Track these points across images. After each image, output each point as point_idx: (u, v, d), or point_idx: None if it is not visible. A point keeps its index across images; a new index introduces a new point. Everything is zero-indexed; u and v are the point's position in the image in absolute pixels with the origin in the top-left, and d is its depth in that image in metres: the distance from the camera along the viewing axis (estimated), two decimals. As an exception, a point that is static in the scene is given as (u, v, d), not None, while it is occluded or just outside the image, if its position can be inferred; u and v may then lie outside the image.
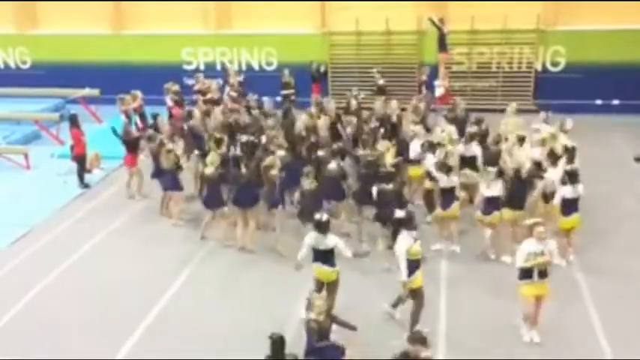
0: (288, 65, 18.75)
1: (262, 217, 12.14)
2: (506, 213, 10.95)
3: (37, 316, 10.03)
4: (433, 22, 17.93)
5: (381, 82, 16.85)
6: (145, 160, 14.31)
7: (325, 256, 9.02)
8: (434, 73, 17.96)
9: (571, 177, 10.39)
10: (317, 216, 9.07)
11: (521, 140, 12.15)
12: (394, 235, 8.83)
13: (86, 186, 14.96)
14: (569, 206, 10.53)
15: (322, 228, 8.93)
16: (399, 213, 9.05)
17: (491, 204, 10.82)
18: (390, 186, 10.77)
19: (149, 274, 11.13)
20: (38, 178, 15.83)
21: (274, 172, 11.28)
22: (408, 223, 8.77)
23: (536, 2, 18.31)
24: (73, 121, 14.97)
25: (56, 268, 11.41)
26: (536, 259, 8.41)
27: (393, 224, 8.91)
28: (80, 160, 14.91)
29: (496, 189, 10.80)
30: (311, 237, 9.07)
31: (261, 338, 7.42)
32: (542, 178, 11.24)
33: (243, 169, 11.52)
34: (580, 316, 9.47)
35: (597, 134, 16.25)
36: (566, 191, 10.46)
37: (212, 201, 11.92)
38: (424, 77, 17.99)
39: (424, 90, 17.54)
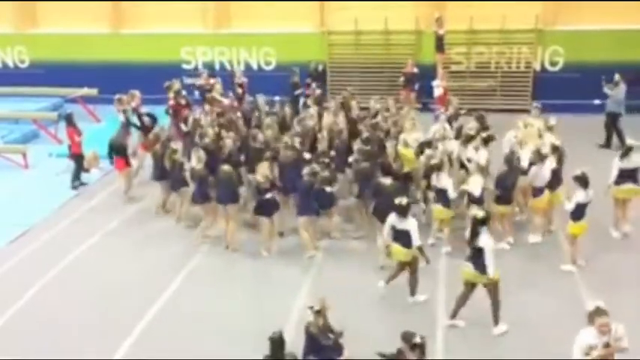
0: (286, 64, 18.74)
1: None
2: (495, 208, 11.18)
3: (35, 316, 10.03)
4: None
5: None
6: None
7: (401, 237, 9.52)
8: (432, 74, 17.95)
9: (582, 181, 10.25)
10: (397, 200, 9.54)
11: (487, 141, 12.27)
12: (473, 233, 8.82)
13: (75, 187, 14.83)
14: (582, 211, 10.39)
15: (401, 211, 9.44)
16: (479, 213, 8.98)
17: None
18: (388, 181, 10.82)
19: (147, 274, 11.12)
20: (37, 178, 15.82)
21: (258, 177, 11.23)
22: (489, 221, 8.97)
23: (536, 3, 18.33)
24: (69, 120, 14.95)
25: (54, 268, 11.41)
26: (598, 353, 6.97)
27: (473, 222, 8.88)
28: (76, 159, 14.85)
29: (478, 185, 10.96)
30: (392, 217, 9.61)
31: (260, 338, 7.43)
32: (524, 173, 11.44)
33: (226, 166, 11.60)
34: (579, 317, 9.43)
35: (595, 134, 16.26)
36: (580, 196, 10.29)
37: (199, 196, 11.96)
38: (415, 70, 18.20)
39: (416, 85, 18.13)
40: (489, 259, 8.76)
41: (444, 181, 11.10)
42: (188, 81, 17.64)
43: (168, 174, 12.86)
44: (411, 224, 9.47)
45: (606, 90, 16.15)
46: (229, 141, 12.69)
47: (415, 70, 18.35)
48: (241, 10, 20.56)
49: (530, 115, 13.62)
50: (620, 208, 11.69)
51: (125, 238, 12.55)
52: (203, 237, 12.13)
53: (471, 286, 9.10)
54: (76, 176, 14.93)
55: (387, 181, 10.83)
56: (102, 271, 11.27)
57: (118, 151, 13.97)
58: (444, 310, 9.70)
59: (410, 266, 9.79)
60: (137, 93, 15.87)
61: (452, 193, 11.05)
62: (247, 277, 11.02)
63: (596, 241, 11.29)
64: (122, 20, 21.41)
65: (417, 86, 18.26)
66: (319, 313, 7.79)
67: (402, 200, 9.53)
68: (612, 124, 16.07)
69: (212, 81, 17.12)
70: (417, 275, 9.88)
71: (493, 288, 9.00)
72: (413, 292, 9.95)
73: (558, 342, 8.79)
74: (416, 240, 9.45)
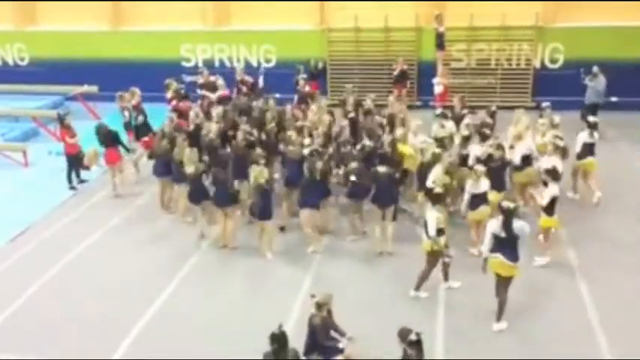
0: (286, 62, 18.68)
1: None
2: (492, 196, 11.01)
3: (34, 315, 10.03)
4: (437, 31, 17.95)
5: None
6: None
7: (425, 227, 9.64)
8: (432, 71, 17.92)
9: (554, 175, 10.33)
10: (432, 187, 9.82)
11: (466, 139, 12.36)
12: (506, 223, 8.67)
13: (73, 188, 14.77)
14: (555, 205, 10.41)
15: (433, 200, 9.65)
16: (510, 204, 8.80)
17: (478, 200, 10.87)
18: (383, 169, 10.97)
19: (147, 273, 11.12)
20: (37, 175, 15.81)
21: (262, 181, 11.11)
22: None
23: (536, 2, 18.29)
24: (60, 121, 14.83)
25: (54, 266, 11.41)
26: None
27: (506, 213, 8.70)
28: (69, 160, 14.73)
29: (483, 186, 10.83)
30: (428, 205, 9.79)
31: (260, 338, 7.41)
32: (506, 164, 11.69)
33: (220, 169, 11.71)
34: (579, 316, 9.46)
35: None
36: (554, 190, 10.30)
37: (196, 196, 11.99)
38: (405, 67, 18.32)
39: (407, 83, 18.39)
40: (523, 246, 8.82)
41: (432, 173, 11.07)
42: (188, 79, 17.59)
43: (171, 169, 12.85)
44: (430, 215, 9.48)
45: (586, 82, 16.37)
46: (240, 135, 12.76)
47: (405, 67, 18.39)
48: (241, 7, 20.49)
49: (543, 115, 13.45)
50: (583, 179, 12.67)
51: (125, 236, 12.54)
52: (201, 236, 12.12)
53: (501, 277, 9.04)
54: (70, 177, 14.79)
55: (382, 169, 11.01)
56: (101, 270, 11.26)
57: (105, 142, 14.01)
58: (444, 309, 9.72)
59: (430, 257, 9.75)
60: (137, 90, 15.85)
61: (430, 184, 10.78)
62: (247, 276, 10.99)
63: (584, 231, 11.49)
64: (122, 18, 21.35)
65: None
66: (320, 306, 7.78)
67: (437, 189, 9.71)
68: (592, 114, 15.48)
69: (212, 78, 17.11)
70: (434, 270, 9.87)
71: (506, 283, 8.98)
72: (418, 287, 9.95)
73: (558, 342, 8.85)
74: (431, 230, 9.43)
